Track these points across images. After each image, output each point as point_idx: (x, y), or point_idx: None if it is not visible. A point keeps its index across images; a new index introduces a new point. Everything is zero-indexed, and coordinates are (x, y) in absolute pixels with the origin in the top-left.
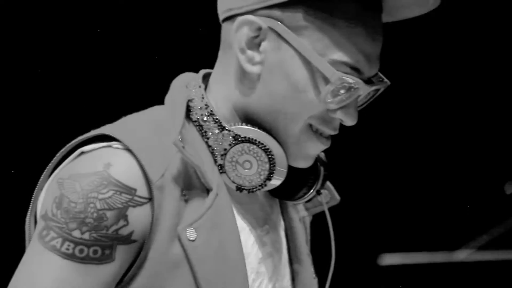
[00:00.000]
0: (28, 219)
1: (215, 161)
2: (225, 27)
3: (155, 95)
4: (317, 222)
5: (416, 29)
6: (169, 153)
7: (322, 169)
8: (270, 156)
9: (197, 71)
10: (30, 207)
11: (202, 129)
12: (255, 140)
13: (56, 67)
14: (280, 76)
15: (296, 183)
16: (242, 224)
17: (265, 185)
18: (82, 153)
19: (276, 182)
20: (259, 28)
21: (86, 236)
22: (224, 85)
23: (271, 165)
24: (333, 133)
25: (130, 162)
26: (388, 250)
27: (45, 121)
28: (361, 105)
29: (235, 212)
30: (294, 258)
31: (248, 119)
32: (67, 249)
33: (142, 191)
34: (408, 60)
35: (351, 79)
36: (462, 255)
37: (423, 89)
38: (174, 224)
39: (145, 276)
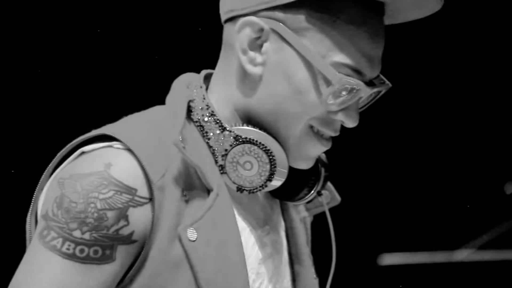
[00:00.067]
0: (29, 219)
1: (216, 162)
2: (227, 28)
3: (156, 95)
4: (318, 222)
5: (417, 32)
6: (170, 153)
7: (323, 170)
8: (271, 157)
9: (198, 72)
10: (30, 207)
11: (203, 129)
12: (256, 141)
13: (56, 67)
14: (281, 77)
15: (297, 184)
16: (242, 225)
17: (266, 186)
18: (83, 153)
19: (276, 183)
20: (261, 30)
21: (87, 236)
22: (225, 86)
23: (272, 166)
24: (334, 134)
25: (130, 162)
26: (388, 250)
27: (45, 121)
28: (363, 107)
29: (235, 212)
30: (294, 259)
31: (249, 120)
32: (68, 249)
33: (143, 191)
34: (409, 62)
35: (352, 81)
36: (462, 255)
37: (423, 90)
38: (174, 224)
39: (146, 276)
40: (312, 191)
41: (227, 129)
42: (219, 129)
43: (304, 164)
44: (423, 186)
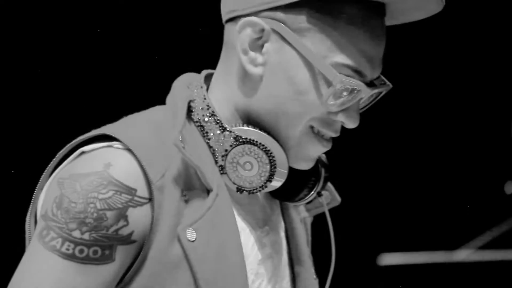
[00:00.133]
0: (28, 219)
1: (216, 162)
2: (228, 28)
3: (156, 95)
4: (318, 223)
5: (418, 33)
6: (170, 154)
7: (323, 170)
8: (271, 158)
9: (198, 72)
10: (30, 207)
11: (203, 129)
12: (256, 141)
13: (56, 67)
14: (282, 78)
15: (297, 184)
16: (242, 225)
17: (266, 186)
18: (83, 153)
19: (276, 183)
20: (262, 30)
21: (86, 236)
22: (226, 86)
23: (272, 167)
24: (334, 135)
25: (130, 162)
26: (388, 250)
27: (45, 121)
28: (363, 107)
29: (235, 213)
30: (294, 259)
31: (250, 120)
32: (67, 249)
33: (142, 191)
34: (410, 63)
35: (353, 82)
36: (462, 255)
37: (423, 91)
38: (174, 225)
39: (145, 276)
40: (312, 192)
41: (227, 129)
42: (220, 129)
43: (304, 165)
44: (423, 186)
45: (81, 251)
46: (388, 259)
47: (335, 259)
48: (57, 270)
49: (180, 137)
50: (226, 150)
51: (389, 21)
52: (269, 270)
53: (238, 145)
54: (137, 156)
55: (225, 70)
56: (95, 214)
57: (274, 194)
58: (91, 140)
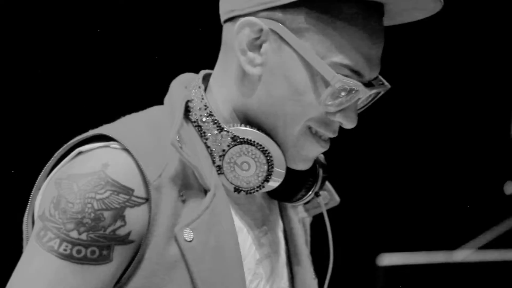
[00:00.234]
0: (26, 219)
1: (214, 162)
2: (227, 28)
3: (155, 95)
4: (318, 223)
5: (417, 33)
6: (167, 153)
7: (321, 171)
8: (268, 158)
9: (197, 72)
10: (27, 207)
11: (201, 129)
12: (254, 141)
13: (56, 67)
14: (280, 78)
15: (295, 184)
16: (239, 225)
17: (263, 186)
18: (80, 153)
19: (274, 183)
20: (261, 30)
21: (84, 236)
22: (224, 86)
23: (269, 167)
24: (332, 135)
25: (127, 162)
26: (388, 250)
27: (45, 121)
28: (361, 108)
29: (233, 213)
30: (293, 259)
31: (248, 120)
32: (65, 249)
33: (140, 191)
34: (409, 63)
35: (351, 82)
36: (462, 255)
37: (423, 91)
38: (171, 225)
39: (142, 276)
40: (310, 192)
41: (225, 129)
42: (217, 130)
43: (302, 165)
44: (423, 186)
45: (78, 252)
46: (388, 259)
47: (334, 259)
48: (54, 271)
49: (177, 137)
50: (223, 150)
51: (387, 21)
52: (267, 270)
53: (235, 145)
54: (134, 156)
55: (223, 70)
56: (92, 214)
57: (272, 194)
58: (88, 140)
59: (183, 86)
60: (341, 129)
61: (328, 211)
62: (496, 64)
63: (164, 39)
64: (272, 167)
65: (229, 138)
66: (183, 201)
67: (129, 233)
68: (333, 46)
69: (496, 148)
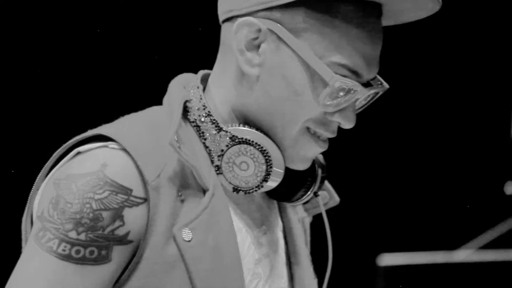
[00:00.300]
0: (25, 219)
1: (212, 162)
2: (225, 28)
3: (155, 95)
4: (318, 223)
5: (416, 33)
6: (165, 154)
7: (319, 170)
8: (267, 158)
9: (197, 72)
10: (26, 208)
11: (200, 129)
12: (252, 141)
13: (56, 67)
14: (278, 78)
15: (294, 184)
16: (238, 225)
17: (262, 186)
18: (79, 153)
19: (272, 183)
20: (259, 30)
21: (83, 236)
22: (222, 86)
23: (268, 167)
24: (331, 136)
25: (126, 162)
26: (388, 250)
27: (45, 121)
28: (360, 108)
29: (231, 212)
30: (292, 259)
31: (246, 120)
32: (64, 250)
33: (138, 191)
34: (408, 63)
35: (349, 82)
36: (462, 255)
37: (422, 90)
38: (170, 225)
39: (141, 276)
40: (309, 192)
41: (223, 129)
42: (216, 130)
43: (301, 165)
44: (423, 186)
45: (77, 252)
46: (388, 259)
47: (334, 259)
48: (53, 271)
49: (176, 137)
50: (222, 150)
51: (386, 21)
52: (266, 270)
53: (234, 145)
54: (133, 156)
55: (221, 71)
56: (91, 215)
57: (271, 194)
58: (87, 140)
59: (182, 86)
60: (341, 129)
61: (328, 211)
62: (496, 64)
63: (163, 39)
64: (271, 167)
65: (227, 138)
66: (182, 201)
67: (127, 233)
68: (332, 46)
69: (496, 148)
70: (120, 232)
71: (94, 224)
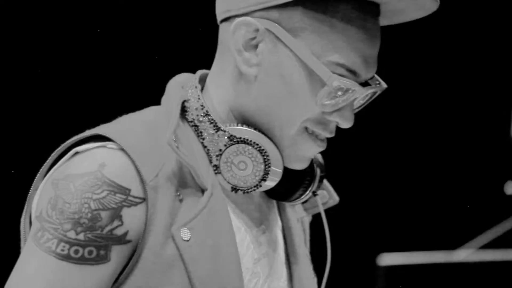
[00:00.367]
0: (23, 220)
1: (210, 162)
2: (223, 28)
3: (154, 95)
4: (318, 222)
5: (415, 33)
6: (164, 153)
7: (318, 170)
8: (265, 157)
9: (195, 72)
10: (25, 208)
11: (198, 129)
12: (250, 140)
13: (56, 67)
14: (276, 78)
15: (292, 184)
16: (237, 224)
17: (260, 185)
18: (77, 153)
19: (271, 183)
20: (256, 30)
21: (81, 236)
22: (220, 86)
23: (266, 166)
24: (329, 135)
25: (124, 162)
26: (388, 250)
27: (45, 121)
28: (358, 107)
29: (230, 212)
30: (291, 259)
31: (244, 120)
32: (62, 250)
33: (137, 191)
34: (407, 63)
35: (347, 82)
36: (462, 255)
37: (421, 90)
38: (168, 224)
39: (139, 276)
40: (307, 191)
41: (222, 129)
42: (214, 129)
43: (299, 165)
44: (423, 186)
45: (76, 252)
46: (388, 259)
47: (334, 259)
48: (52, 271)
49: (174, 137)
50: (220, 150)
51: (384, 21)
52: (265, 269)
53: (232, 144)
54: (131, 156)
55: (219, 70)
56: (89, 214)
57: (270, 193)
58: (85, 140)
59: (180, 86)
60: (342, 128)
61: (328, 210)
62: (495, 64)
63: (162, 39)
64: (269, 167)
65: (225, 137)
66: (180, 201)
67: (126, 233)
68: (329, 45)
69: (496, 148)
70: (119, 232)
71: (92, 224)
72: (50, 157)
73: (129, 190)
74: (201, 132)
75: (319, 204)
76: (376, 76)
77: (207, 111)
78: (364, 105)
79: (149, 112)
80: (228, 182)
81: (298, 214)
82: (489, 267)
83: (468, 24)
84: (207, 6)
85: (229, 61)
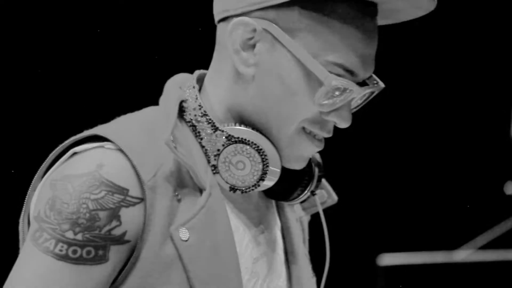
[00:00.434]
0: (22, 220)
1: (209, 162)
2: (220, 28)
3: (152, 96)
4: (317, 222)
5: (414, 32)
6: (162, 153)
7: (316, 169)
8: (263, 157)
9: (193, 72)
10: (23, 209)
11: (196, 129)
12: (248, 140)
13: (56, 67)
14: (274, 78)
15: (290, 183)
16: (236, 224)
17: (259, 185)
18: (75, 153)
19: (269, 182)
20: (254, 30)
21: (79, 236)
22: (218, 86)
23: (264, 166)
24: (326, 135)
25: (122, 162)
26: (388, 250)
27: (45, 121)
28: (356, 107)
29: (228, 212)
30: (290, 258)
31: (242, 120)
32: (61, 250)
33: (135, 191)
34: (406, 63)
35: (345, 82)
36: (462, 255)
37: (421, 89)
38: (166, 224)
39: (138, 276)
40: (306, 191)
41: (219, 129)
42: (211, 129)
43: (297, 165)
44: (423, 186)
45: (74, 252)
46: (388, 259)
47: (334, 259)
48: (51, 271)
49: (172, 137)
50: (218, 150)
51: (381, 21)
52: (264, 269)
53: (230, 144)
54: (129, 156)
55: (217, 70)
56: (87, 215)
57: (268, 193)
58: (83, 141)
59: (178, 87)
60: (342, 128)
61: (329, 210)
62: (495, 64)
63: (161, 39)
64: (267, 166)
65: (223, 137)
66: (179, 201)
67: (124, 233)
68: (327, 45)
69: (496, 148)
70: (117, 232)
71: (90, 224)
72: (48, 157)
73: (127, 190)
74: (199, 132)
75: (317, 203)
76: (374, 76)
77: (205, 111)
78: (362, 105)
79: (147, 112)
80: (227, 182)
81: (297, 214)
82: (489, 267)
83: (468, 24)
84: (205, 6)
85: (226, 61)
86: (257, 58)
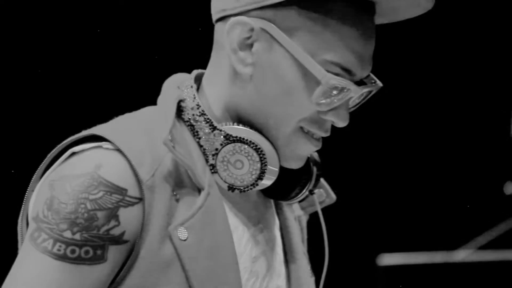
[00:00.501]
0: (20, 220)
1: (207, 161)
2: (218, 28)
3: (152, 96)
4: (316, 221)
5: (413, 31)
6: (160, 153)
7: (314, 168)
8: (261, 156)
9: (191, 72)
10: (22, 209)
11: (194, 129)
12: (246, 139)
13: (56, 67)
14: (271, 78)
15: (289, 183)
16: (234, 223)
17: (257, 184)
18: (73, 154)
19: (267, 181)
20: (252, 29)
21: (77, 236)
22: (216, 86)
23: (263, 165)
24: (324, 135)
25: (120, 162)
26: (388, 250)
27: (45, 121)
28: (354, 106)
29: (227, 211)
30: (289, 257)
31: (240, 119)
32: (59, 250)
33: (133, 191)
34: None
35: (342, 81)
36: (462, 255)
37: (421, 89)
38: (165, 224)
39: (137, 276)
40: (304, 190)
41: (217, 128)
42: (209, 129)
43: (295, 164)
44: (423, 186)
45: (72, 251)
46: (388, 259)
47: (333, 259)
48: (49, 271)
49: (170, 136)
50: (216, 149)
51: (380, 19)
52: (263, 268)
53: (228, 143)
54: (127, 156)
55: (215, 70)
56: (86, 215)
57: (267, 192)
58: (81, 141)
59: (176, 86)
60: (341, 128)
61: (328, 210)
62: (495, 64)
63: (159, 39)
64: (266, 165)
65: (221, 136)
66: (177, 200)
67: (123, 233)
68: (324, 44)
69: (496, 148)
70: (116, 232)
71: (89, 224)
72: (47, 158)
73: (126, 190)
74: (197, 131)
75: (316, 202)
76: (372, 75)
77: (203, 110)
78: (359, 104)
79: (145, 112)
80: (225, 181)
81: (296, 213)
82: (489, 267)
83: (468, 23)
84: (203, 6)
85: (224, 60)
86: (255, 57)
